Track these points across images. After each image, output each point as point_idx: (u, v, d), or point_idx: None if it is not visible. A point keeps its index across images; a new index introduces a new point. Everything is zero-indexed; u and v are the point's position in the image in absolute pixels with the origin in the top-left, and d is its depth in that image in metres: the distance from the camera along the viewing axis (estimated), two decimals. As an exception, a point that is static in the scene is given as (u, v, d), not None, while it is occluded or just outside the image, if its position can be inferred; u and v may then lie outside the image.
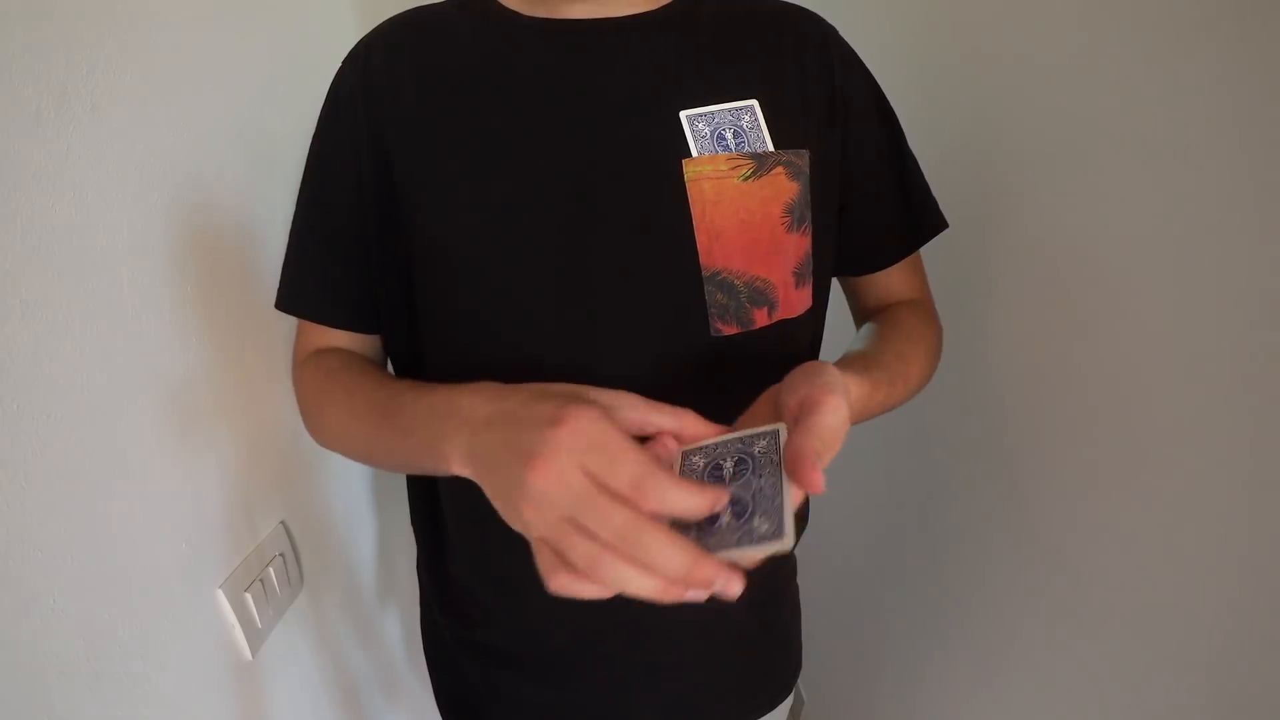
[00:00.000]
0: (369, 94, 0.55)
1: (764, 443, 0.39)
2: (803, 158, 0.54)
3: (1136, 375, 0.61)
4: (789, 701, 0.74)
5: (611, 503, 0.33)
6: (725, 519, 0.37)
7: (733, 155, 0.52)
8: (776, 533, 0.34)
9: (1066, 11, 0.65)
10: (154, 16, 0.55)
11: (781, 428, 0.39)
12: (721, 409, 0.57)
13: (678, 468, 0.40)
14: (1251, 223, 0.50)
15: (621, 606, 0.59)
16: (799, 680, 1.55)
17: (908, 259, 0.66)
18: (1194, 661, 0.57)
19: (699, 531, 0.37)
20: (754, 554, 0.34)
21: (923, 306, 0.66)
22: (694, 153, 0.52)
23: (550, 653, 0.63)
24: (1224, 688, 0.54)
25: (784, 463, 0.38)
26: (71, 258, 0.48)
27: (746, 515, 0.36)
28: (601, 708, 0.64)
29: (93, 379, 0.50)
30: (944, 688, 0.97)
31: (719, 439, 0.41)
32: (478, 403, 0.41)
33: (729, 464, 0.39)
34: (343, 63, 0.58)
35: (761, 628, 0.68)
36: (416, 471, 0.50)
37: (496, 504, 0.39)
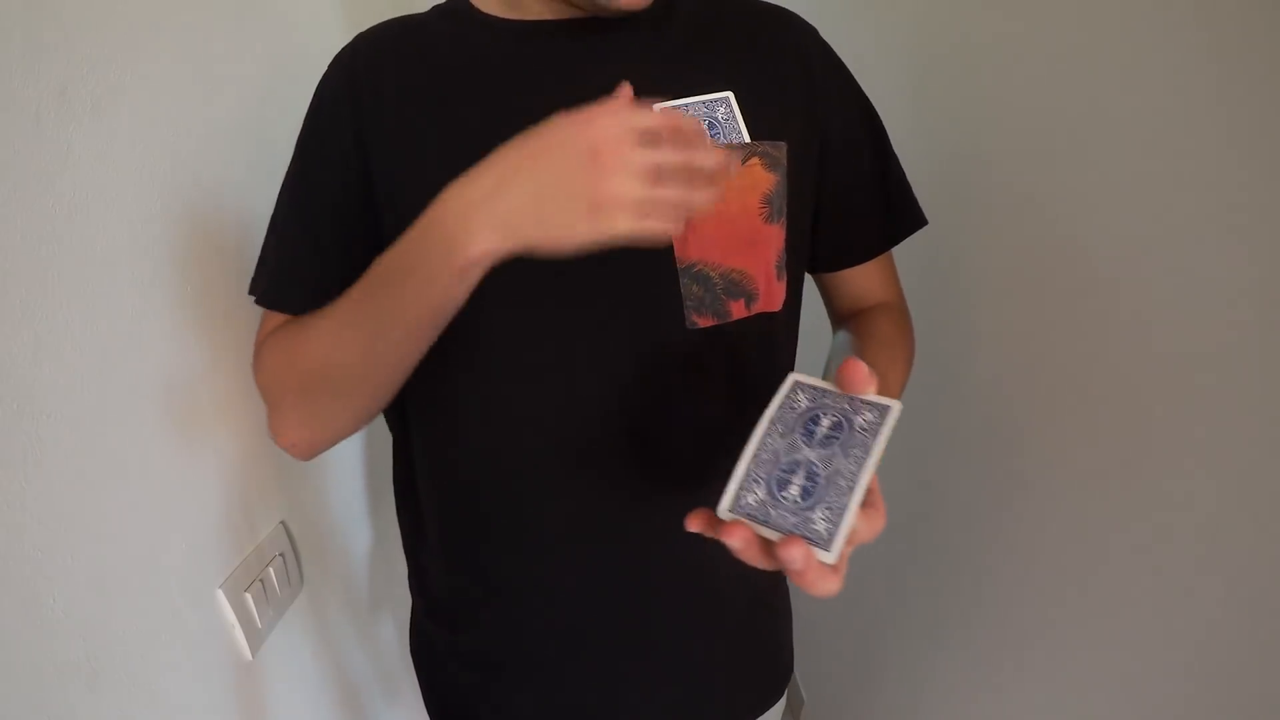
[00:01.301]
0: (352, 98, 0.56)
1: (871, 416, 0.39)
2: (780, 150, 0.54)
3: (1135, 375, 0.61)
4: (781, 704, 0.74)
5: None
6: (794, 489, 0.38)
7: None
8: (825, 543, 0.36)
9: (1060, 5, 0.66)
10: (154, 17, 0.55)
11: (895, 408, 0.39)
12: (699, 401, 0.57)
13: (782, 397, 0.42)
14: (1250, 220, 0.50)
15: (608, 608, 0.60)
16: (799, 680, 1.55)
17: (883, 260, 0.66)
18: (1195, 663, 0.57)
19: (768, 492, 0.38)
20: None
21: (897, 310, 0.67)
22: None
23: (537, 658, 0.63)
24: (1225, 689, 0.54)
25: (847, 384, 0.39)
26: (71, 258, 0.48)
27: (813, 499, 0.37)
28: (590, 712, 0.64)
29: (93, 379, 0.50)
30: (943, 686, 0.97)
31: (832, 389, 0.41)
32: (467, 183, 0.43)
33: (826, 422, 0.40)
34: (327, 68, 0.59)
35: (752, 630, 0.68)
36: (428, 324, 0.47)
37: (555, 231, 0.41)
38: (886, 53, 0.97)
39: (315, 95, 0.58)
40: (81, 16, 0.48)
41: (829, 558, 0.35)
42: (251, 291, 0.58)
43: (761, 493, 0.39)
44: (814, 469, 0.38)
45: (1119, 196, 0.61)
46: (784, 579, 0.73)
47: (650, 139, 0.40)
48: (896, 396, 0.58)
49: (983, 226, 0.80)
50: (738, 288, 0.54)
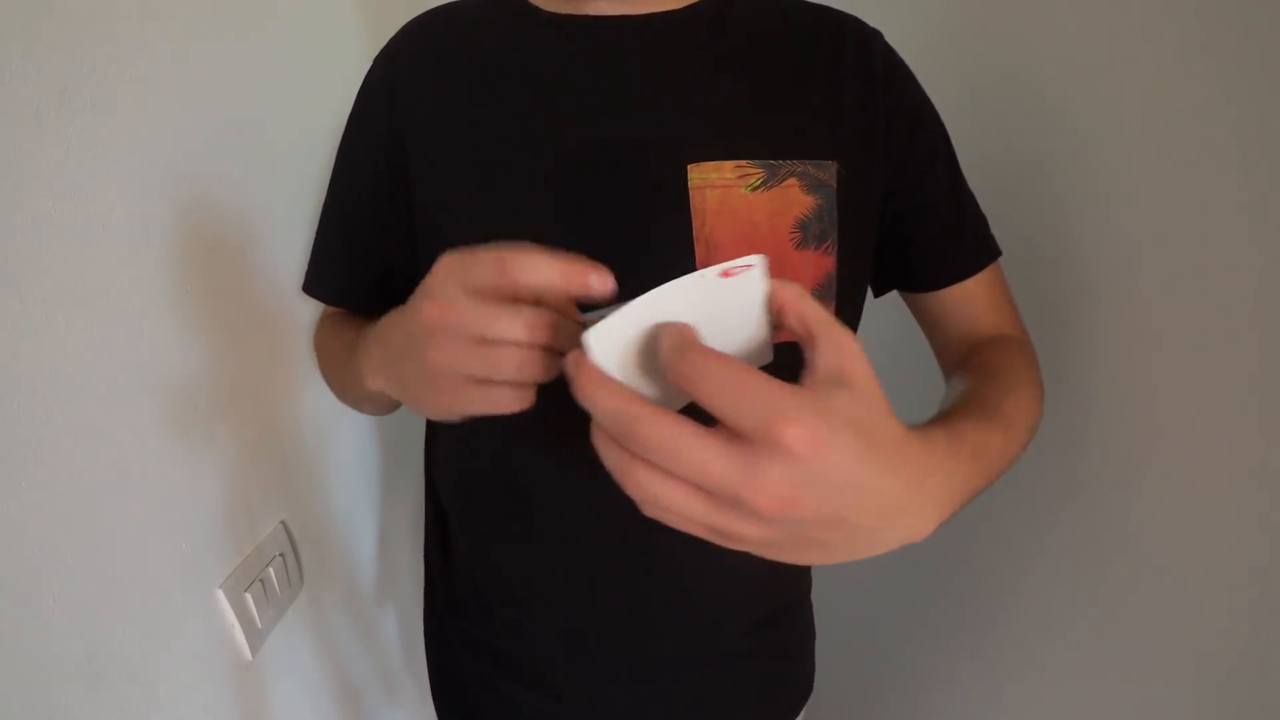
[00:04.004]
0: (390, 89, 0.57)
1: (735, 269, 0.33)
2: (826, 170, 0.51)
3: (1140, 377, 0.61)
4: None
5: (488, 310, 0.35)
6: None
7: (741, 163, 0.49)
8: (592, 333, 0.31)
9: (1067, 10, 0.65)
10: (155, 16, 0.55)
11: (758, 262, 0.34)
12: (707, 423, 0.56)
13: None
14: (1251, 219, 0.50)
15: (612, 617, 0.60)
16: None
17: (985, 285, 0.60)
18: (1205, 668, 0.57)
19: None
20: None
21: (1012, 341, 0.59)
22: (700, 158, 0.49)
23: (542, 658, 0.63)
24: (1233, 692, 0.54)
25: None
26: (71, 258, 0.48)
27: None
28: (589, 716, 0.64)
29: (93, 379, 0.50)
30: (950, 691, 0.96)
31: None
32: (387, 325, 0.44)
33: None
34: (373, 61, 0.60)
35: (763, 646, 0.65)
36: (379, 403, 0.55)
37: (420, 404, 0.41)
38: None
39: (359, 92, 0.60)
40: (81, 16, 0.48)
41: (590, 350, 0.30)
42: (303, 287, 0.66)
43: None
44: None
45: (1120, 196, 0.61)
46: (809, 595, 0.70)
47: (487, 293, 0.35)
48: (1017, 433, 0.48)
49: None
50: None
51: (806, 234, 0.51)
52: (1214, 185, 0.52)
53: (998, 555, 0.82)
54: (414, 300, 0.38)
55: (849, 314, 0.57)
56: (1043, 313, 0.71)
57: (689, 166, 0.49)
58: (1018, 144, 0.73)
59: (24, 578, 0.45)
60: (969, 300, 0.60)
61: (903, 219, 0.58)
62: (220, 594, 0.63)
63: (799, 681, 0.71)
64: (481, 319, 0.35)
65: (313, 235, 0.65)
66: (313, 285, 0.65)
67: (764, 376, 0.28)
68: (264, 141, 0.69)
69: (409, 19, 0.61)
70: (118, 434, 0.52)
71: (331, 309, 0.68)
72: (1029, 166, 0.72)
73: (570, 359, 0.30)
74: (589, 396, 0.29)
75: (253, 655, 0.67)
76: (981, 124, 0.79)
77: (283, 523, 0.74)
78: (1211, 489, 0.54)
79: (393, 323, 0.43)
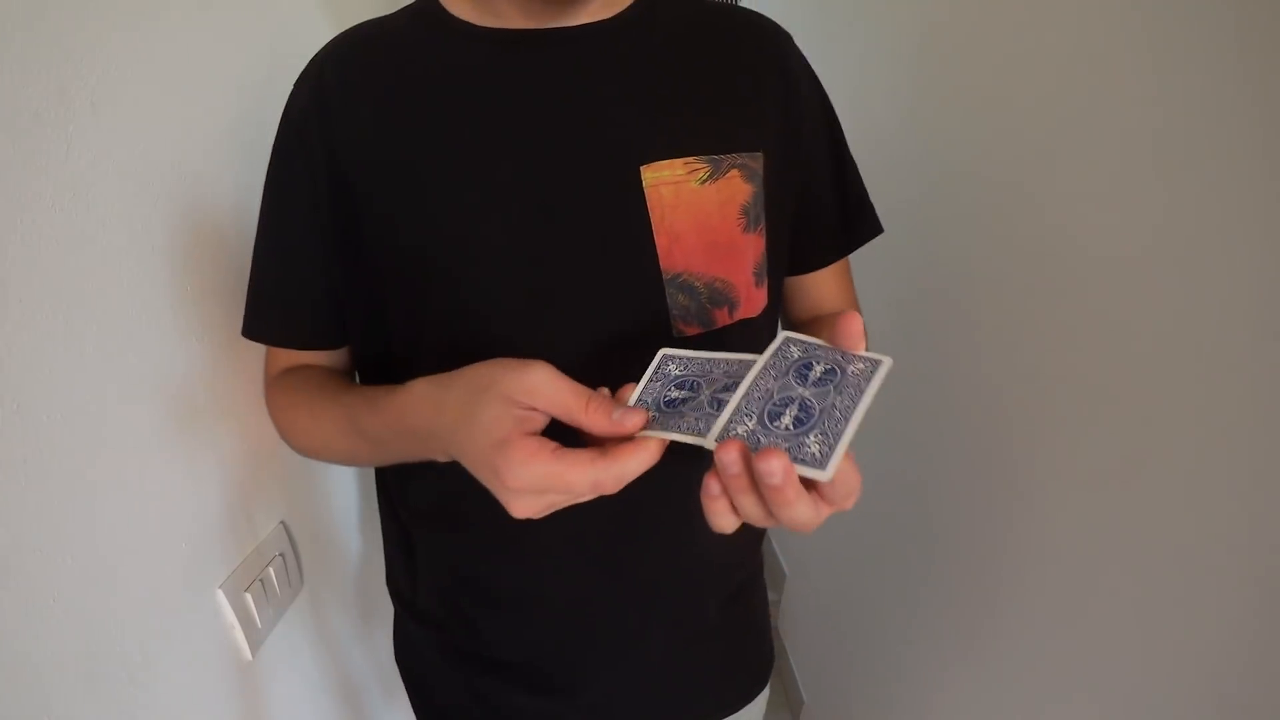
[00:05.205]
0: (323, 114, 0.55)
1: (862, 366, 0.39)
2: (757, 160, 0.55)
3: (1136, 375, 0.61)
4: (765, 694, 0.75)
5: (576, 493, 0.41)
6: (787, 419, 0.37)
7: (689, 160, 0.53)
8: (820, 461, 0.35)
9: (1065, 6, 0.66)
10: (154, 16, 0.55)
11: (887, 362, 0.39)
12: None
13: (774, 348, 0.41)
14: (1248, 219, 0.50)
15: (592, 610, 0.61)
16: (799, 680, 1.55)
17: (840, 270, 0.67)
18: (1195, 665, 0.57)
19: (759, 424, 0.38)
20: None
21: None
22: (651, 159, 0.53)
23: (521, 655, 0.63)
24: (1226, 690, 0.54)
25: (841, 336, 0.39)
26: (71, 258, 0.48)
27: (806, 426, 0.37)
28: (577, 709, 0.64)
29: (93, 379, 0.50)
30: (944, 686, 0.97)
31: (824, 344, 0.41)
32: (436, 412, 0.46)
33: (819, 368, 0.40)
34: (294, 85, 0.58)
35: (734, 621, 0.69)
36: (410, 459, 0.53)
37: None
38: (887, 51, 0.97)
39: (282, 119, 0.57)
40: (80, 16, 0.48)
41: (824, 475, 0.34)
42: (242, 331, 0.61)
43: (752, 424, 0.38)
44: (808, 403, 0.38)
45: (1118, 196, 0.61)
46: (762, 569, 0.73)
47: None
48: None
49: (980, 227, 0.80)
50: (721, 296, 0.55)
51: (749, 219, 0.55)
52: (1214, 185, 0.52)
53: (990, 556, 0.82)
54: (482, 470, 0.42)
55: (774, 293, 0.61)
56: (1036, 312, 0.72)
57: (642, 168, 0.52)
58: (1018, 141, 0.73)
59: (24, 577, 0.45)
60: (825, 281, 0.66)
61: (800, 206, 0.62)
62: (220, 594, 0.63)
63: (764, 649, 0.76)
64: (571, 498, 0.41)
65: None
66: (255, 327, 0.60)
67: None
68: (264, 142, 0.68)
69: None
70: (118, 435, 0.52)
71: (280, 366, 0.63)
72: (1030, 163, 0.72)
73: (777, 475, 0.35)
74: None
75: (253, 655, 0.67)
76: (981, 119, 0.79)
77: (283, 523, 0.74)
78: (1206, 487, 0.54)
79: (444, 438, 0.45)
